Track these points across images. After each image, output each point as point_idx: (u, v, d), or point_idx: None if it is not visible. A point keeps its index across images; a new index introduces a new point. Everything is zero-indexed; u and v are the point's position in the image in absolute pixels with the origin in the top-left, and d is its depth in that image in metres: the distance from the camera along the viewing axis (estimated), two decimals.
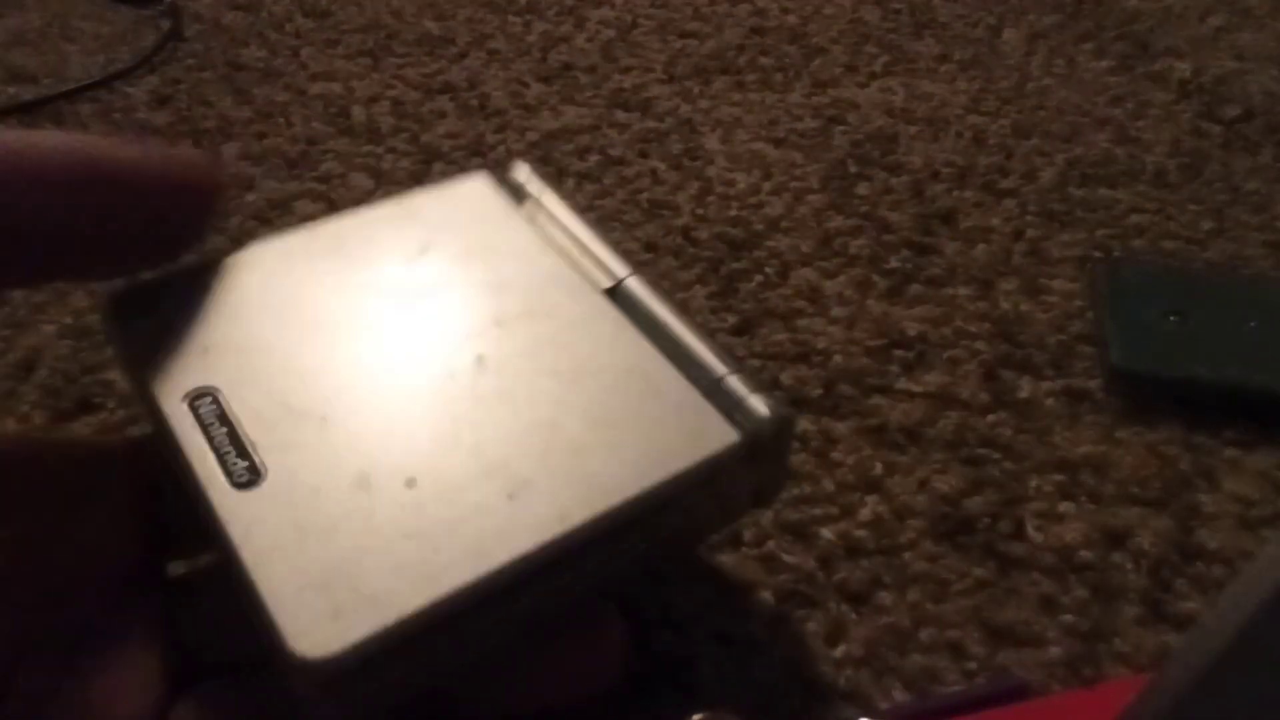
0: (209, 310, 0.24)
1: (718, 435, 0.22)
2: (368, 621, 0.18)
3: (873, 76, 0.49)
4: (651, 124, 0.46)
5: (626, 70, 0.50)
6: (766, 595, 0.26)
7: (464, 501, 0.20)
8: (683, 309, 0.26)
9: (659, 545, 0.23)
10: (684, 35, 0.53)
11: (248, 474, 0.20)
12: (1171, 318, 0.34)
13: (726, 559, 0.27)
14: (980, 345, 0.34)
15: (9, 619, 0.20)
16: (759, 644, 0.25)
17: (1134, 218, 0.40)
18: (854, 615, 0.26)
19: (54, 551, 0.21)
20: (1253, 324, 0.33)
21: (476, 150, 0.44)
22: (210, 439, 0.21)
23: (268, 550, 0.19)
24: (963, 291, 0.36)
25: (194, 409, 0.21)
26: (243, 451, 0.21)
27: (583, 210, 0.32)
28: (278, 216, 0.40)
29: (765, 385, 0.24)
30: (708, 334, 0.24)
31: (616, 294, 0.25)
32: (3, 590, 0.20)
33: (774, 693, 0.24)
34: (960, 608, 0.26)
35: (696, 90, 0.48)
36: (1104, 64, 0.50)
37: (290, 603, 0.18)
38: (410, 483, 0.20)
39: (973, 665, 0.25)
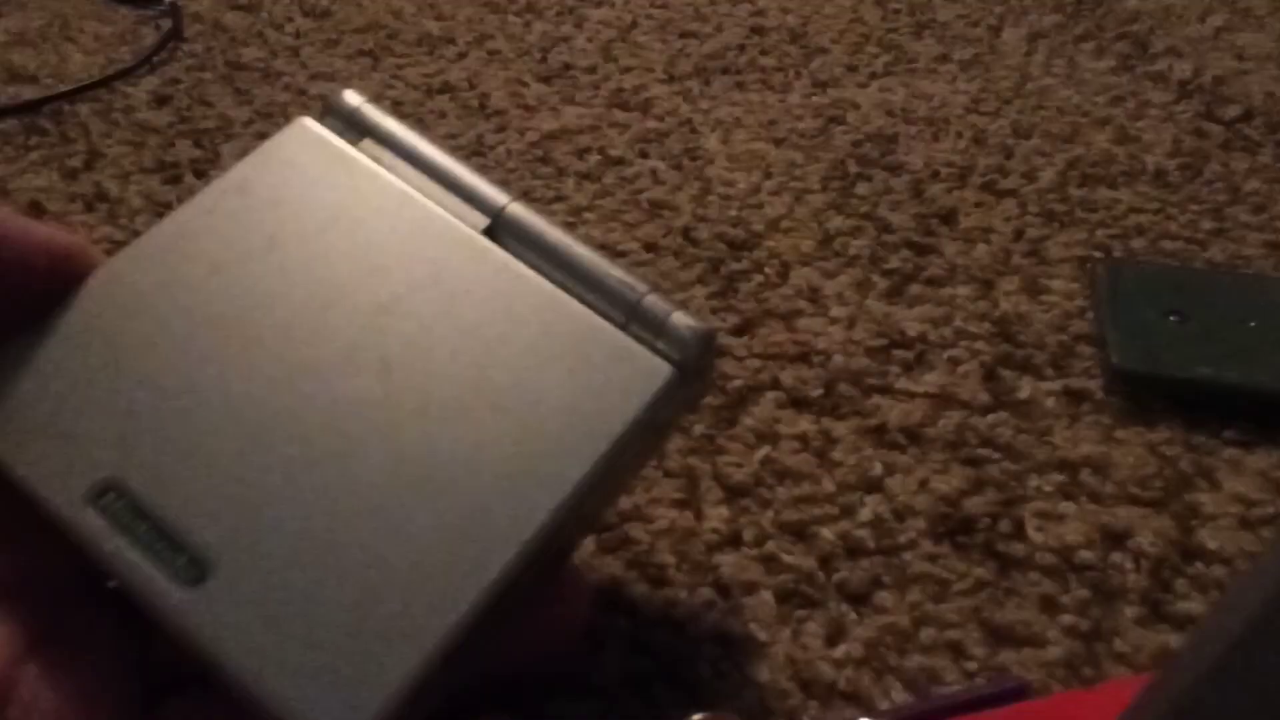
0: (68, 379, 0.20)
1: (650, 374, 0.21)
2: (379, 688, 0.17)
3: (873, 76, 0.49)
4: (651, 124, 0.46)
5: (626, 70, 0.50)
6: (766, 595, 0.26)
7: (425, 534, 0.19)
8: (569, 230, 0.23)
9: (612, 493, 0.23)
10: (684, 35, 0.53)
11: (190, 569, 0.18)
12: (1171, 318, 0.34)
13: (726, 559, 0.27)
14: (980, 345, 0.34)
15: None
16: (759, 644, 0.25)
17: (1134, 218, 0.40)
18: (854, 615, 0.26)
19: (16, 552, 0.20)
20: (1253, 324, 0.33)
21: (476, 150, 0.44)
22: (135, 540, 0.19)
23: (246, 646, 0.18)
24: (963, 291, 0.36)
25: (102, 510, 0.19)
26: (175, 544, 0.19)
27: (424, 130, 0.28)
28: None
29: (676, 301, 0.22)
30: (606, 255, 0.23)
31: (497, 231, 0.23)
32: None
33: (774, 693, 0.24)
34: (960, 608, 0.26)
35: (696, 90, 0.48)
36: (1104, 64, 0.50)
37: (296, 697, 0.17)
38: (364, 528, 0.19)
39: (973, 665, 0.25)
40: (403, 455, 0.20)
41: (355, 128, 0.25)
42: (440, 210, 0.23)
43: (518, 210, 0.23)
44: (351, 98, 0.25)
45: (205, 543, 0.19)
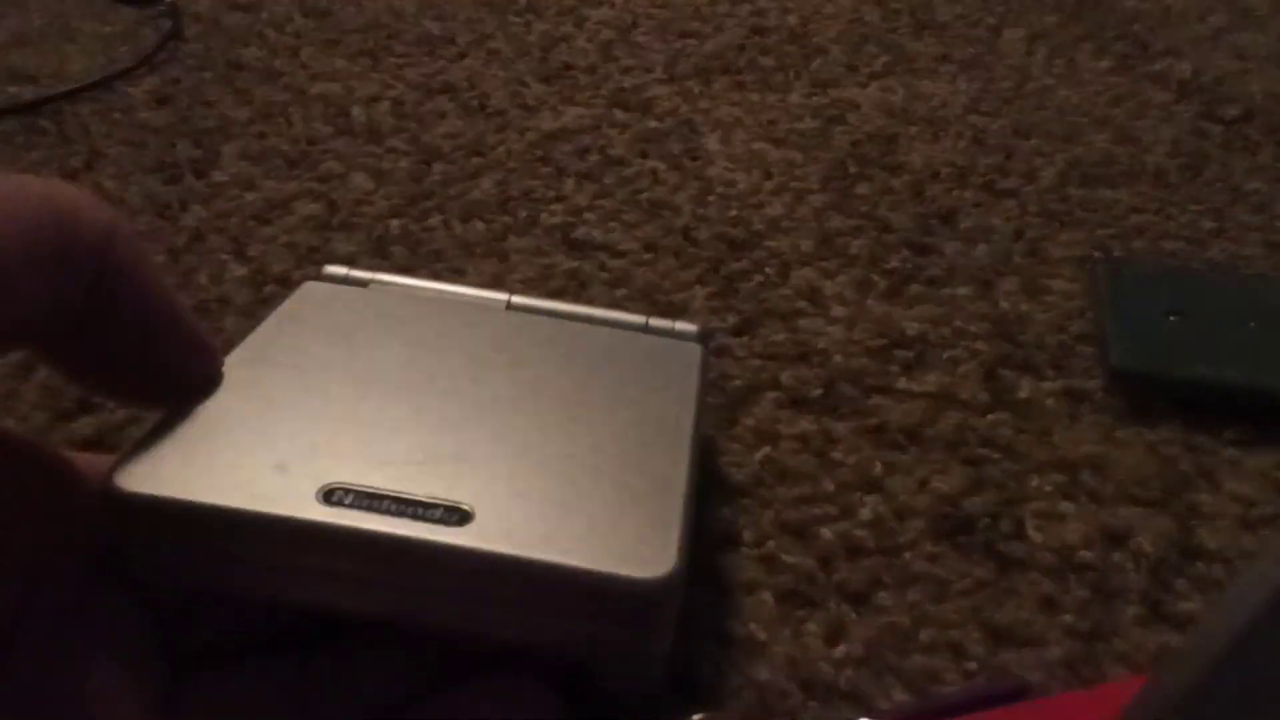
0: (236, 432, 0.22)
1: (688, 357, 0.27)
2: (668, 535, 0.20)
3: (873, 76, 0.49)
4: (651, 124, 0.46)
5: (626, 70, 0.50)
6: (766, 595, 0.26)
7: (614, 453, 0.23)
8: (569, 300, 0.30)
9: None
10: (684, 35, 0.53)
11: (450, 516, 0.20)
12: (1171, 318, 0.34)
13: (726, 559, 0.27)
14: (980, 345, 0.34)
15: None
16: (759, 644, 0.25)
17: (1134, 218, 0.40)
18: (854, 615, 0.26)
19: (41, 530, 0.20)
20: (1253, 324, 0.33)
21: (476, 150, 0.44)
22: (388, 513, 0.20)
23: (544, 545, 0.19)
24: (963, 291, 0.36)
25: (339, 503, 0.20)
26: (423, 505, 0.20)
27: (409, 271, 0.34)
28: (278, 216, 0.40)
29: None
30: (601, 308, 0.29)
31: (511, 309, 0.28)
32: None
33: (774, 693, 0.24)
34: (960, 608, 0.26)
35: (696, 90, 0.48)
36: (1104, 64, 0.50)
37: (606, 561, 0.19)
38: (566, 464, 0.22)
39: (973, 665, 0.25)
40: (555, 419, 0.23)
41: (353, 284, 0.29)
42: (470, 294, 0.28)
43: (521, 298, 0.29)
44: (336, 271, 0.29)
45: (447, 497, 0.20)
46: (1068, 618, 0.26)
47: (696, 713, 0.23)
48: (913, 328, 0.35)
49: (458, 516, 0.20)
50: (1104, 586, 0.27)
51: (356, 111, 0.46)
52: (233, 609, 0.22)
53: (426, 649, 0.22)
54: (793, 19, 0.54)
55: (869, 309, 0.35)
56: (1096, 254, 0.38)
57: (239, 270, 0.37)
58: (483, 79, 0.49)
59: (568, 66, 0.50)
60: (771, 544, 0.28)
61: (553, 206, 0.40)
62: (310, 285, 0.28)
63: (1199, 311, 0.34)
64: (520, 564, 0.19)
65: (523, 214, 0.40)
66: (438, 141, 0.44)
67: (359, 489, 0.20)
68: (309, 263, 0.37)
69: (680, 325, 0.29)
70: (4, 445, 0.20)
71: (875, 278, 0.37)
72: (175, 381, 0.22)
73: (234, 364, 0.24)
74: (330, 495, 0.20)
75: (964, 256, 0.38)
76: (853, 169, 0.43)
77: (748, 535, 0.28)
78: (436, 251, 0.38)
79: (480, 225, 0.39)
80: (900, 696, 0.24)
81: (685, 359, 0.27)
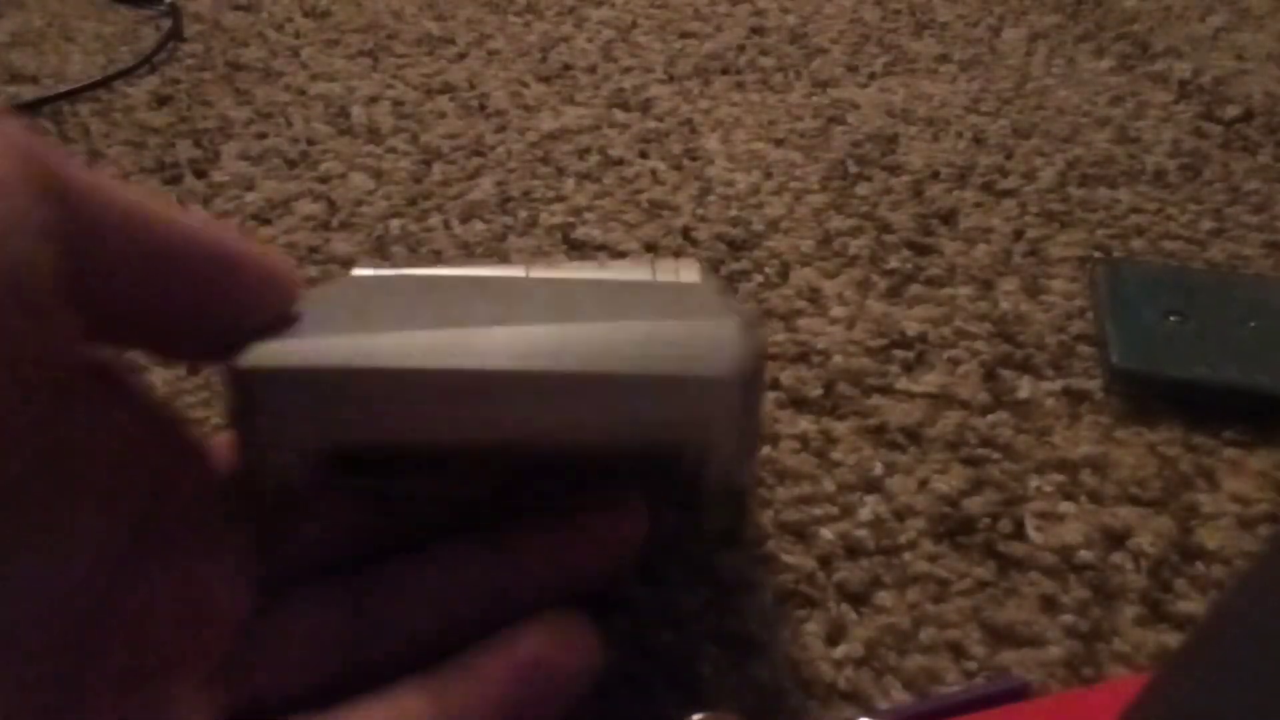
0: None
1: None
2: (734, 343, 0.23)
3: (873, 76, 0.49)
4: (651, 124, 0.46)
5: (626, 70, 0.50)
6: (766, 595, 0.26)
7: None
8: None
9: (751, 435, 0.25)
10: (684, 35, 0.53)
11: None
12: (1171, 318, 0.34)
13: (727, 559, 0.27)
14: (980, 345, 0.34)
15: (126, 502, 0.20)
16: (759, 644, 0.25)
17: (1134, 218, 0.40)
18: (854, 615, 0.26)
19: (160, 446, 0.22)
20: (1253, 324, 0.33)
21: (476, 150, 0.44)
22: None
23: (620, 360, 0.22)
24: (963, 291, 0.36)
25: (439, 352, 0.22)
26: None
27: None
28: (278, 216, 0.40)
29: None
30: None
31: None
32: (121, 474, 0.20)
33: (774, 693, 0.24)
34: (960, 608, 0.26)
35: (696, 90, 0.48)
36: (1104, 64, 0.50)
37: (682, 364, 0.22)
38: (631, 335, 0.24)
39: (973, 665, 0.25)
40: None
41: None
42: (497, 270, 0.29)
43: (541, 271, 0.29)
44: (364, 267, 0.29)
45: (539, 337, 0.23)
46: (1068, 618, 0.26)
47: (696, 713, 0.23)
48: (913, 328, 0.35)
49: (554, 352, 0.22)
50: (1104, 586, 0.27)
51: (356, 111, 0.46)
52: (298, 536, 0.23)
53: (475, 584, 0.23)
54: (793, 19, 0.54)
55: (869, 309, 0.35)
56: (1096, 254, 0.38)
57: None
58: (483, 79, 0.49)
59: (568, 66, 0.50)
60: (771, 544, 0.28)
61: (553, 206, 0.40)
62: (343, 279, 0.29)
63: (1199, 311, 0.34)
64: (623, 378, 0.22)
65: (523, 214, 0.40)
66: (438, 141, 0.44)
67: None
68: (309, 263, 0.37)
69: (684, 275, 0.29)
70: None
71: (875, 278, 0.37)
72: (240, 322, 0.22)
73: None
74: (433, 351, 0.22)
75: (964, 256, 0.38)
76: (853, 169, 0.43)
77: (748, 535, 0.28)
78: (436, 252, 0.38)
79: (480, 225, 0.39)
80: (900, 696, 0.24)
81: (699, 286, 0.28)
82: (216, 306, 0.21)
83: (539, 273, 0.29)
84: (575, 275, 0.29)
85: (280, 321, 0.22)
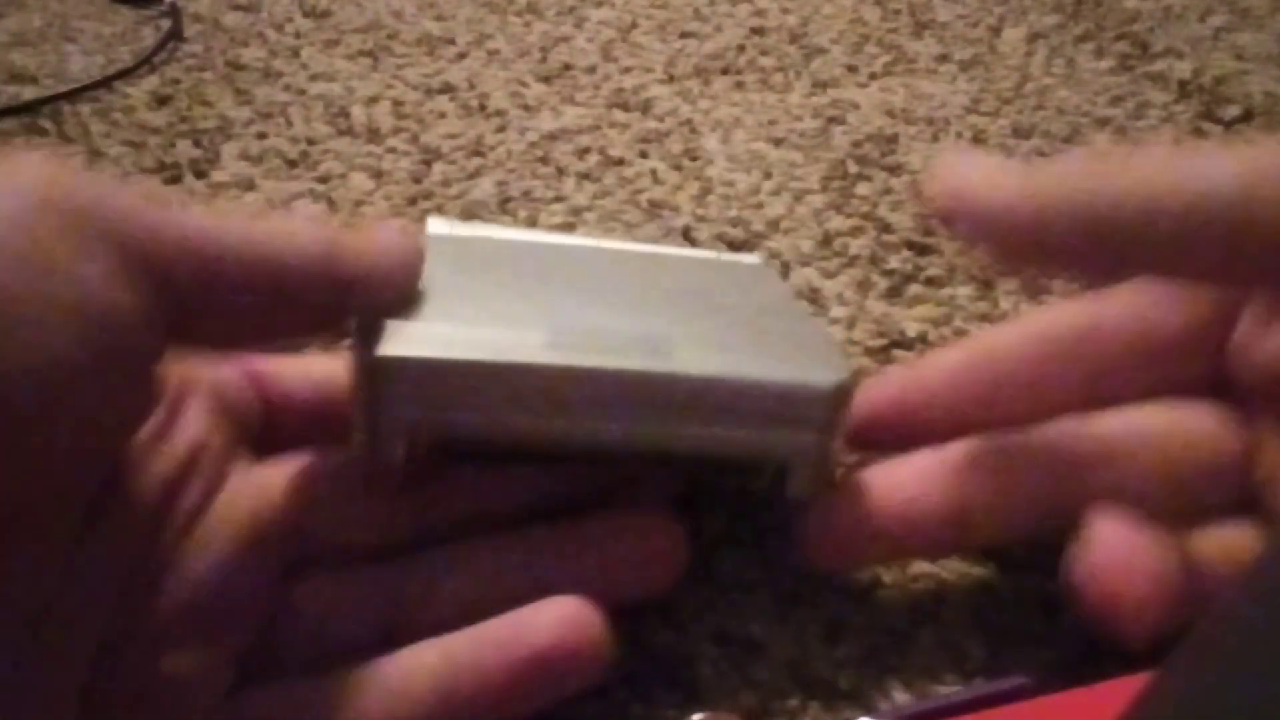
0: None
1: (766, 270, 0.31)
2: (836, 352, 0.26)
3: (873, 76, 0.49)
4: (651, 124, 0.46)
5: (626, 70, 0.50)
6: (766, 595, 0.26)
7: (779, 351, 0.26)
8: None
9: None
10: (684, 35, 0.53)
11: (658, 349, 0.23)
12: None
13: (727, 559, 0.27)
14: None
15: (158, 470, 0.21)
16: (759, 644, 0.25)
17: None
18: (854, 615, 0.26)
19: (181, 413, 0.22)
20: None
21: (476, 150, 0.44)
22: (600, 350, 0.23)
23: (740, 366, 0.23)
24: (963, 291, 0.36)
25: (564, 345, 0.23)
26: (632, 340, 0.24)
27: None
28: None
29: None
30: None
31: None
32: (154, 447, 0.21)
33: (774, 693, 0.24)
34: (960, 607, 0.26)
35: (696, 90, 0.48)
36: (1104, 64, 0.50)
37: (793, 373, 0.23)
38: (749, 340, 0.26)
39: (972, 666, 0.25)
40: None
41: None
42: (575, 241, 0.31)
43: (611, 243, 0.31)
44: (439, 225, 0.30)
45: (653, 333, 0.24)
46: (1068, 618, 0.26)
47: (696, 713, 0.23)
48: (913, 328, 0.35)
49: (664, 349, 0.23)
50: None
51: (356, 111, 0.46)
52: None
53: (508, 586, 0.23)
54: (793, 19, 0.54)
55: (869, 309, 0.35)
56: None
57: None
58: (483, 79, 0.49)
59: (568, 66, 0.50)
60: (771, 544, 0.28)
61: (553, 206, 0.40)
62: (430, 235, 0.29)
63: None
64: (715, 383, 0.23)
65: (523, 214, 0.40)
66: (438, 141, 0.44)
67: (576, 337, 0.23)
68: None
69: (746, 258, 0.32)
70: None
71: (875, 278, 0.37)
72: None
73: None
74: (553, 346, 0.23)
75: (964, 256, 0.38)
76: (853, 169, 0.43)
77: (748, 535, 0.28)
78: None
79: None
80: (900, 696, 0.24)
81: (765, 272, 0.31)
82: (326, 311, 0.22)
83: (609, 246, 0.31)
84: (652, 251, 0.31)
85: (400, 304, 0.23)
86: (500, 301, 0.25)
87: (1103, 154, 0.22)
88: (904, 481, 0.25)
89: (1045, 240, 0.22)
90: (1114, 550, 0.22)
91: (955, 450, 0.25)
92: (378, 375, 0.22)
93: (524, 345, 0.23)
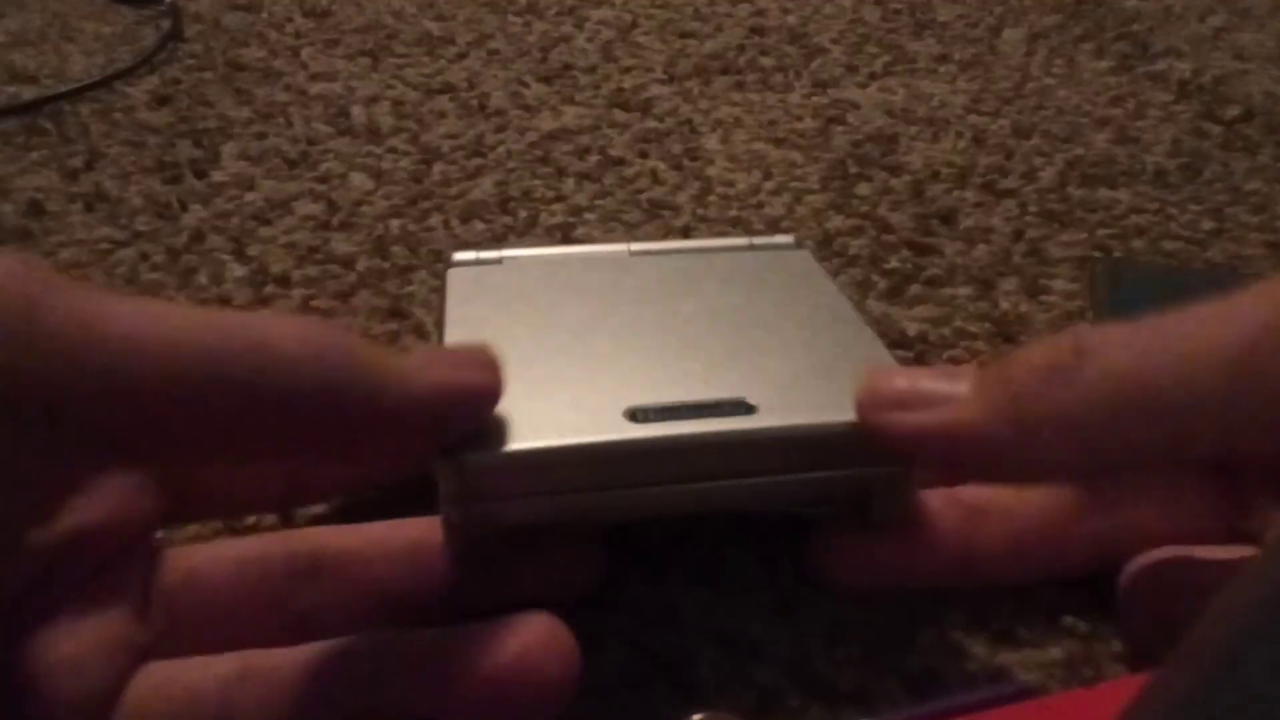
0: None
1: (806, 260, 0.31)
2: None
3: (873, 76, 0.49)
4: (651, 124, 0.46)
5: (626, 70, 0.50)
6: (766, 595, 0.26)
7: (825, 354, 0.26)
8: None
9: None
10: (684, 35, 0.53)
11: (739, 409, 0.23)
12: None
13: (727, 559, 0.27)
14: (980, 345, 0.34)
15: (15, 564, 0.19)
16: (759, 644, 0.25)
17: (1134, 218, 0.40)
18: (854, 615, 0.26)
19: (65, 504, 0.20)
20: None
21: (476, 150, 0.44)
22: (689, 417, 0.23)
23: (818, 410, 0.24)
24: (963, 291, 0.36)
25: (646, 418, 0.23)
26: (712, 406, 0.24)
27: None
28: (278, 216, 0.40)
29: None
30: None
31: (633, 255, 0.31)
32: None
33: (774, 693, 0.24)
34: (960, 607, 0.26)
35: (696, 90, 0.48)
36: (1104, 64, 0.50)
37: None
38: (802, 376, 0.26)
39: (973, 666, 0.25)
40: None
41: (487, 264, 0.31)
42: (604, 251, 0.31)
43: (639, 245, 0.31)
44: (467, 254, 0.30)
45: (729, 395, 0.24)
46: (1068, 618, 0.26)
47: (696, 713, 0.23)
48: (913, 328, 0.35)
49: (745, 409, 0.23)
50: (1104, 586, 0.27)
51: (356, 111, 0.46)
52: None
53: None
54: (793, 19, 0.54)
55: (869, 309, 0.35)
56: (1096, 254, 0.38)
57: (239, 270, 0.37)
58: (483, 79, 0.49)
59: (568, 66, 0.50)
60: (772, 543, 0.28)
61: (553, 206, 0.40)
62: (456, 272, 0.30)
63: None
64: (803, 435, 0.23)
65: (523, 214, 0.40)
66: (438, 141, 0.44)
67: (654, 406, 0.23)
68: (309, 263, 0.37)
69: (780, 239, 0.32)
70: None
71: (875, 278, 0.37)
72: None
73: (457, 320, 0.27)
74: (635, 415, 0.23)
75: (964, 256, 0.38)
76: (853, 169, 0.43)
77: (748, 535, 0.28)
78: (436, 252, 0.38)
79: (480, 225, 0.39)
80: (900, 697, 0.24)
81: (803, 261, 0.31)
82: (423, 439, 0.21)
83: (639, 246, 0.31)
84: (676, 247, 0.32)
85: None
86: (562, 354, 0.25)
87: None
88: (921, 517, 0.25)
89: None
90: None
91: (969, 493, 0.26)
92: (464, 473, 0.22)
93: (603, 419, 0.23)
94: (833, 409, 0.23)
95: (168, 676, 0.21)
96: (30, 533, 0.19)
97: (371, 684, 0.20)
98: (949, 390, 0.22)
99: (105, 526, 0.21)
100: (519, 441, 0.22)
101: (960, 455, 0.22)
